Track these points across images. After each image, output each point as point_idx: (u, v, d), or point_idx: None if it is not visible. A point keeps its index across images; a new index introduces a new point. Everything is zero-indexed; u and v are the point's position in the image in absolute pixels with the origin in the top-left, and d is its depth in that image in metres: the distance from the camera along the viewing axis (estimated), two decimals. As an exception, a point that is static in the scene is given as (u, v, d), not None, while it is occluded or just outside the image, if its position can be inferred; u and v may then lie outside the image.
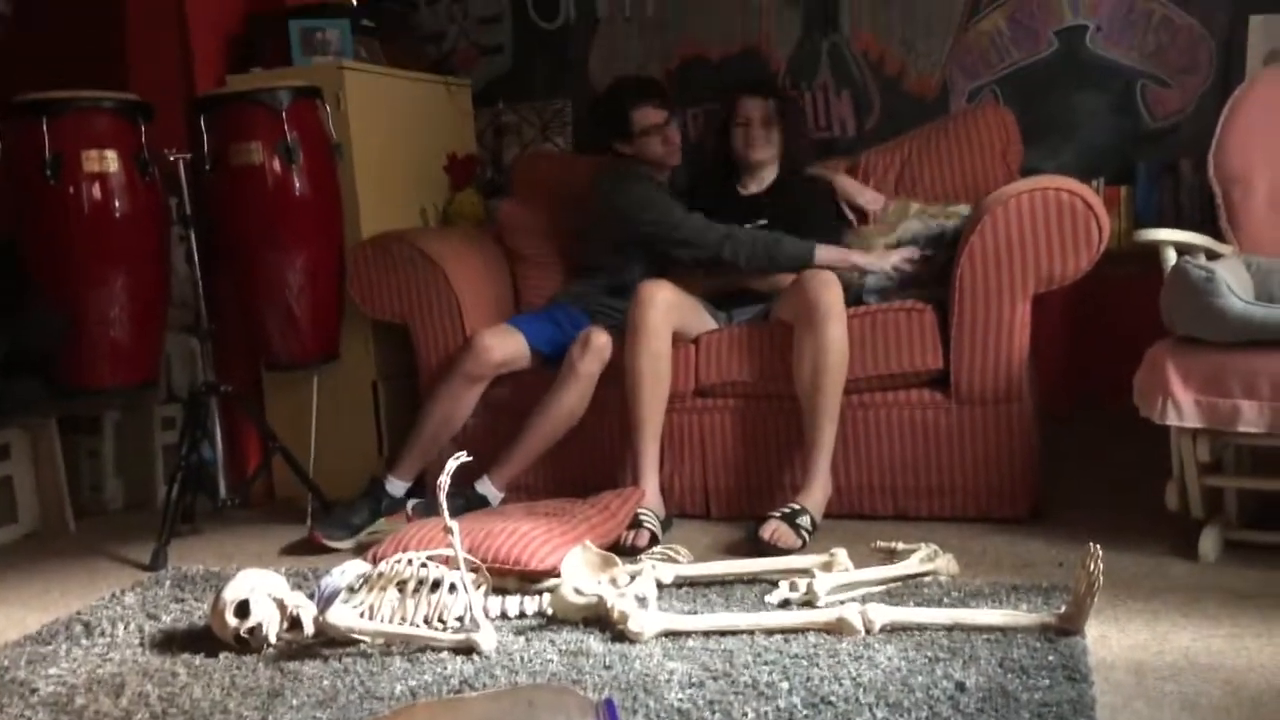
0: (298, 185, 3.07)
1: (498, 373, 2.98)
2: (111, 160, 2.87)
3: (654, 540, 2.64)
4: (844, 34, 3.78)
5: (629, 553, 2.54)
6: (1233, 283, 2.21)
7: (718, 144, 3.21)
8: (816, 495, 2.65)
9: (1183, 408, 2.22)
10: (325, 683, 1.91)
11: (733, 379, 2.85)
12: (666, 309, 2.80)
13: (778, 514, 2.57)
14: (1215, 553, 2.31)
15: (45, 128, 2.80)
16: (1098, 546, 1.85)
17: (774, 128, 3.11)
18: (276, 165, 3.04)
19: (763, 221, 3.04)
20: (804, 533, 2.55)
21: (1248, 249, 2.64)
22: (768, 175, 3.17)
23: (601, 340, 2.85)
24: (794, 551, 2.49)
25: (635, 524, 2.65)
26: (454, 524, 2.04)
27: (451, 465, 2.05)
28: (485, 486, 2.91)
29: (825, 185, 3.20)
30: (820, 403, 2.65)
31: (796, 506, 2.60)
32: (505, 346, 2.98)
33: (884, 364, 2.72)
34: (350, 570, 2.15)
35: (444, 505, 2.03)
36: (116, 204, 2.89)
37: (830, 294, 2.67)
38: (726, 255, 2.91)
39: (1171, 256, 2.42)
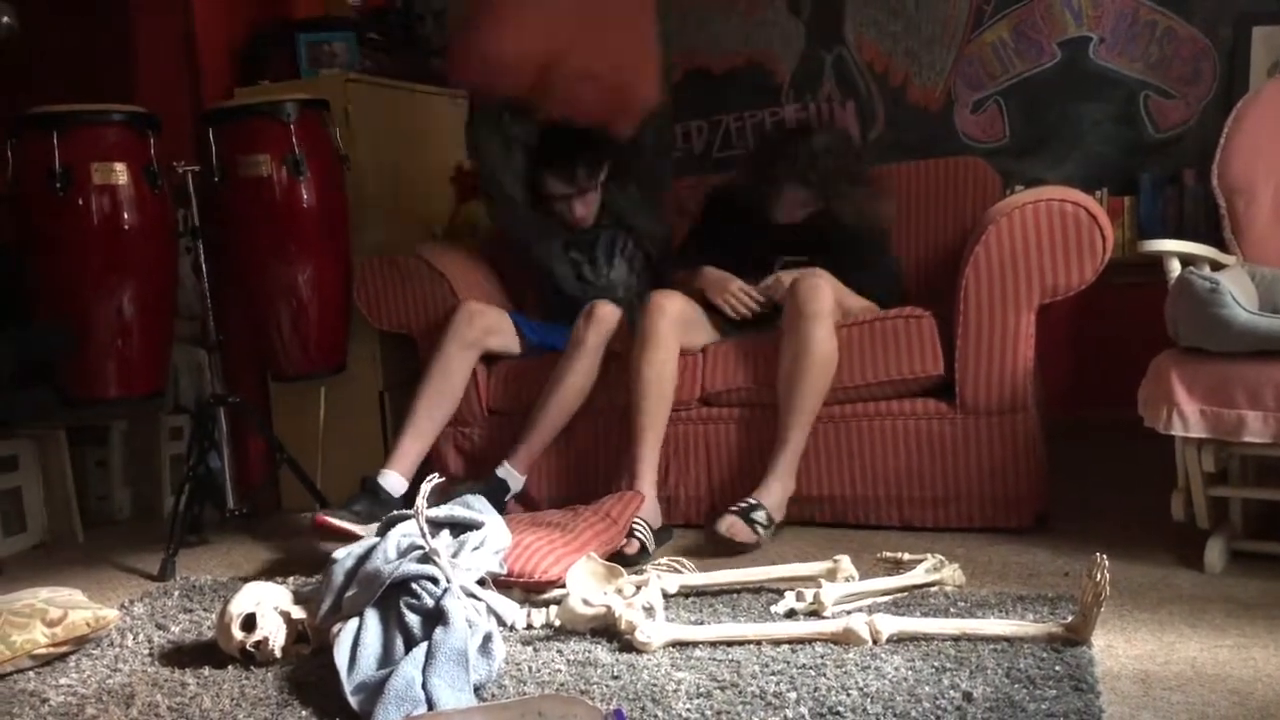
0: (305, 197, 3.09)
1: (486, 340, 2.98)
2: (120, 173, 2.89)
3: (643, 551, 2.63)
4: (848, 45, 3.80)
5: (619, 561, 2.55)
6: (1237, 293, 2.21)
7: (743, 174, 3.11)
8: (775, 492, 2.65)
9: (1188, 418, 2.23)
10: (334, 692, 1.91)
11: (737, 387, 2.86)
12: (677, 320, 2.82)
13: (735, 509, 2.58)
14: (1221, 563, 2.31)
15: (55, 140, 2.82)
16: (1104, 557, 1.85)
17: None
18: (284, 177, 3.06)
19: (803, 259, 2.94)
20: (759, 529, 2.56)
21: (1252, 259, 2.65)
22: (801, 203, 3.01)
23: (605, 310, 2.85)
24: (750, 547, 2.52)
25: (628, 533, 2.64)
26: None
27: (426, 488, 2.06)
28: (506, 471, 2.90)
29: (878, 226, 3.05)
30: (794, 403, 2.66)
31: (753, 502, 2.61)
32: (489, 314, 3.01)
33: (884, 370, 2.73)
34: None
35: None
36: (125, 216, 2.91)
37: (818, 299, 2.67)
38: None
39: (1176, 267, 2.43)
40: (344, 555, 2.12)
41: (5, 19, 3.77)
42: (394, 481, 2.84)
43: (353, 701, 1.82)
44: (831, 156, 2.96)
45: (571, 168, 3.01)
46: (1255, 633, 1.96)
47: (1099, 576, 1.85)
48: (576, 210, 3.07)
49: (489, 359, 3.07)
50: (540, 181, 3.05)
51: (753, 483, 2.85)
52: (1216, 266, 2.54)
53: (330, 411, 3.35)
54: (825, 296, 2.68)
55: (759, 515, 2.60)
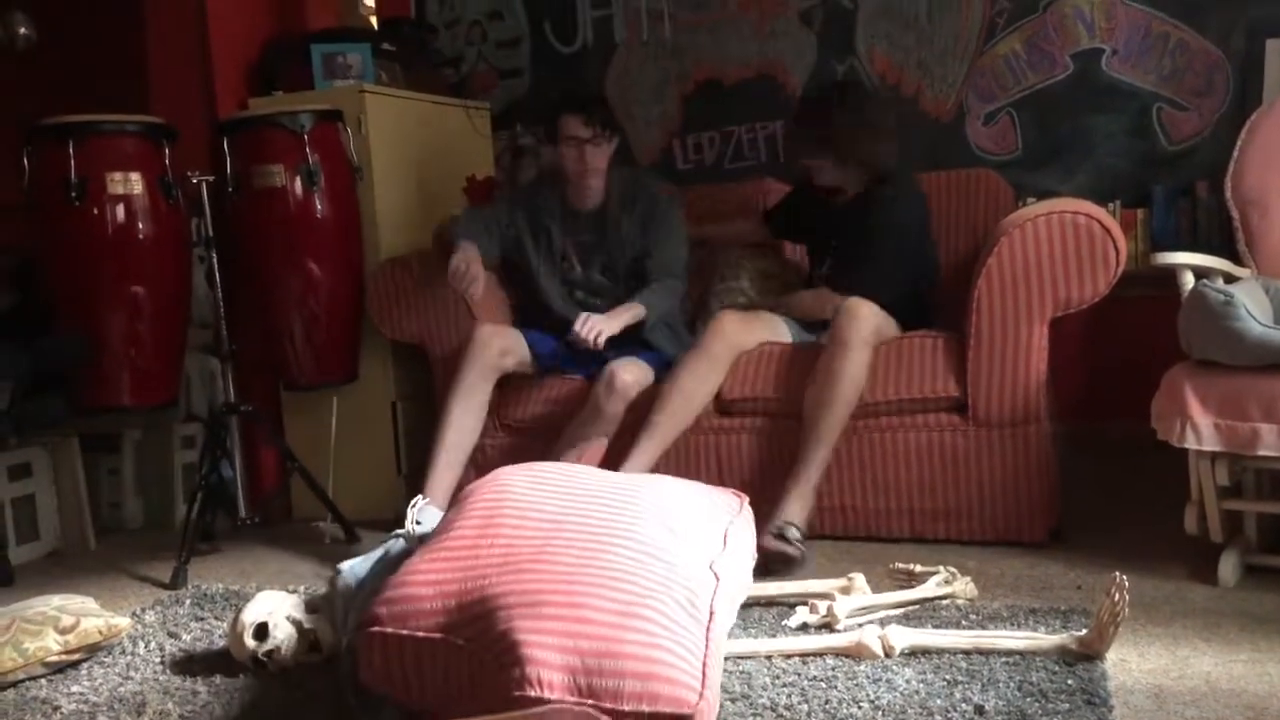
0: (319, 207, 3.11)
1: (502, 364, 2.98)
2: (136, 183, 2.91)
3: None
4: (860, 57, 3.80)
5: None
6: (1251, 306, 2.21)
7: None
8: (795, 510, 2.63)
9: (1201, 431, 2.22)
10: (345, 701, 1.91)
11: (754, 395, 2.85)
12: (734, 345, 2.85)
13: (767, 536, 2.54)
14: (1235, 577, 2.30)
15: (71, 150, 2.83)
16: (1123, 577, 1.84)
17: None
18: (298, 187, 3.08)
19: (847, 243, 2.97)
20: (798, 544, 2.55)
21: (1266, 272, 2.64)
22: (842, 179, 3.00)
23: (626, 380, 2.83)
24: (800, 558, 2.52)
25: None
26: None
27: (412, 512, 2.09)
28: None
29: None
30: (817, 429, 2.68)
31: (781, 523, 2.58)
32: (504, 335, 3.00)
33: (903, 389, 2.73)
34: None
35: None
36: (140, 226, 2.93)
37: (856, 329, 2.67)
38: None
39: (1189, 280, 2.43)
40: (349, 566, 2.13)
41: (23, 30, 3.81)
42: (431, 516, 2.74)
43: (358, 709, 1.82)
44: (854, 128, 2.90)
45: (592, 110, 3.04)
46: (1270, 647, 1.95)
47: (1117, 596, 1.84)
48: (588, 158, 3.03)
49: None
50: (559, 123, 3.06)
51: (765, 495, 2.84)
52: (1230, 279, 2.53)
53: (342, 421, 3.36)
54: (866, 326, 2.69)
55: (791, 533, 2.57)
